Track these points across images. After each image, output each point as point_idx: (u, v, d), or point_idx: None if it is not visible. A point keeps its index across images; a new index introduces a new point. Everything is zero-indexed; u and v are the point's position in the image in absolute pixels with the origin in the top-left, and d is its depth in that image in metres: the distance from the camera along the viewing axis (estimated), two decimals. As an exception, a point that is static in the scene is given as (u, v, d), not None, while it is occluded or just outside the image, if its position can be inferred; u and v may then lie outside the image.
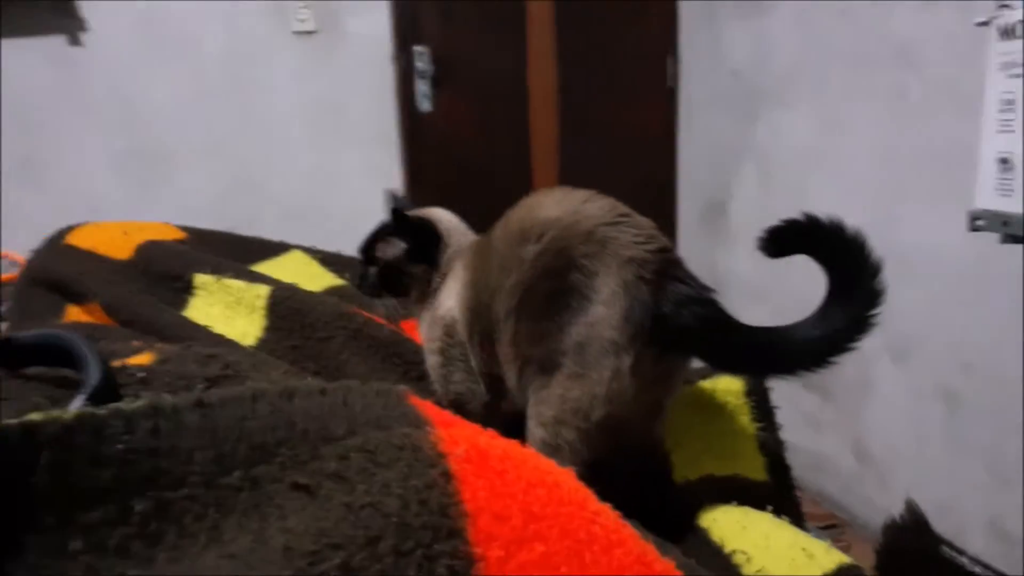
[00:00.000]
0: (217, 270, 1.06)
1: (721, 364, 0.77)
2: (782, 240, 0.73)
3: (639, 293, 0.70)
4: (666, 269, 0.72)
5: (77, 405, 0.49)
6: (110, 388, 0.54)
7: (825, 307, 0.71)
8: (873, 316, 0.68)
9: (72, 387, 0.56)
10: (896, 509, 2.38)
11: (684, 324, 0.70)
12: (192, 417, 0.45)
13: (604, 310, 0.70)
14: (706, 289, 0.73)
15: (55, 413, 0.42)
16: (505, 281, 0.77)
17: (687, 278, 0.73)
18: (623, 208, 0.77)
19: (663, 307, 0.70)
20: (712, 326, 0.71)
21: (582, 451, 0.73)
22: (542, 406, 0.74)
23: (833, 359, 0.69)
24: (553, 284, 0.73)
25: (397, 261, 0.93)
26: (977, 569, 0.53)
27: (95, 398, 0.51)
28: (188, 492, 0.43)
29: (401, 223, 0.94)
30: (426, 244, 0.93)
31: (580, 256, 0.72)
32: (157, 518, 0.42)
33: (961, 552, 0.54)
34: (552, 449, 0.74)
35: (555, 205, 0.78)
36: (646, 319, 0.69)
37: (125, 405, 0.45)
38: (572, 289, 0.72)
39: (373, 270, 0.94)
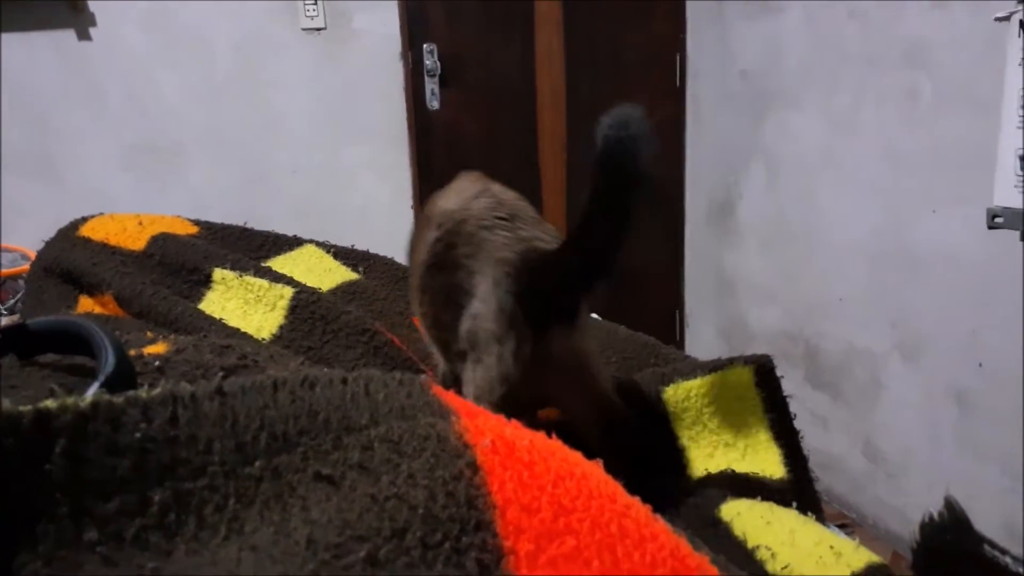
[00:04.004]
0: (237, 266, 1.05)
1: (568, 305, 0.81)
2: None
3: (508, 286, 0.77)
4: (524, 262, 0.79)
5: (92, 392, 0.48)
6: (126, 376, 0.53)
7: None
8: None
9: (87, 375, 0.55)
10: (909, 509, 2.37)
11: (535, 293, 0.77)
12: (211, 406, 0.44)
13: (481, 305, 0.79)
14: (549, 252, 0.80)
15: (70, 400, 0.41)
16: (418, 257, 0.89)
17: (536, 262, 0.79)
18: (504, 209, 0.84)
19: (522, 292, 0.77)
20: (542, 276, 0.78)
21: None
22: (468, 387, 0.82)
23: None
24: (447, 279, 0.83)
25: None
26: (1021, 569, 0.51)
27: (111, 386, 0.50)
28: (208, 482, 0.41)
29: None
30: None
31: (462, 256, 0.81)
32: (176, 509, 0.40)
33: (1004, 552, 0.52)
34: None
35: (455, 196, 0.89)
36: (515, 309, 0.77)
37: (142, 393, 0.43)
38: (459, 286, 0.81)
39: None
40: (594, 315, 1.30)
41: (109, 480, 0.40)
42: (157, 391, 0.44)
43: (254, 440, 0.43)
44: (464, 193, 0.88)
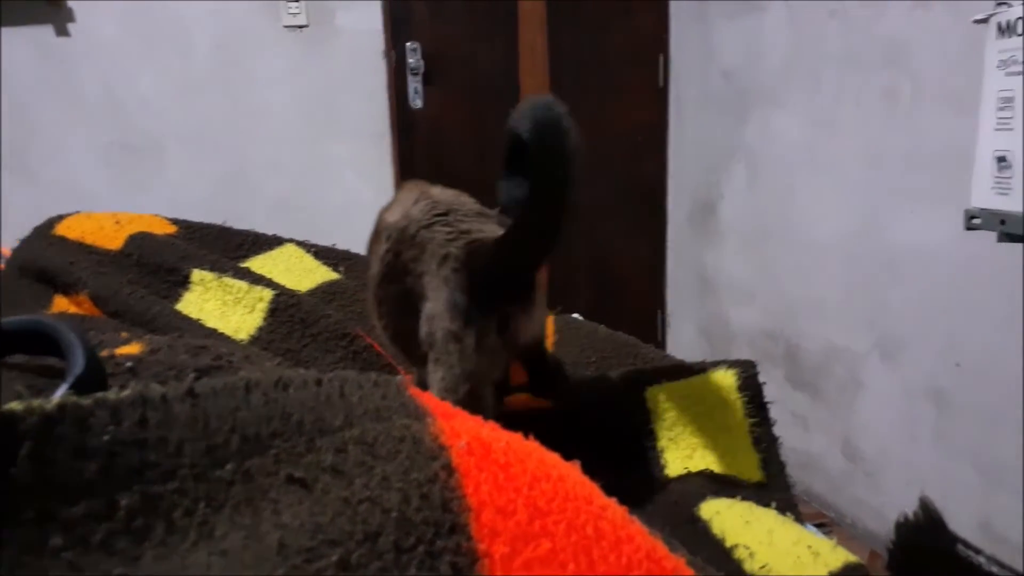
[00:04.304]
0: (216, 267, 1.04)
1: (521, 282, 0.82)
2: None
3: (458, 283, 0.77)
4: (469, 254, 0.79)
5: (60, 394, 0.47)
6: (96, 377, 0.52)
7: None
8: None
9: (57, 376, 0.54)
10: (886, 509, 2.39)
11: (487, 282, 0.77)
12: (182, 407, 0.43)
13: (434, 305, 0.78)
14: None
15: (36, 402, 0.40)
16: (371, 271, 0.90)
17: (484, 252, 0.79)
18: (441, 207, 0.85)
19: (474, 283, 0.77)
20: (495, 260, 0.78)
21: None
22: (433, 388, 0.81)
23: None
24: (400, 287, 0.83)
25: None
26: (994, 569, 0.52)
27: (80, 387, 0.49)
28: (177, 486, 0.40)
29: None
30: None
31: (408, 260, 0.82)
32: (144, 513, 0.39)
33: (978, 551, 0.52)
34: None
35: (398, 207, 0.90)
36: (469, 303, 0.77)
37: (111, 395, 0.42)
38: (411, 290, 0.82)
39: None
40: (576, 315, 1.30)
41: (76, 484, 0.39)
42: (127, 392, 0.43)
43: (225, 442, 0.42)
44: (405, 203, 0.90)
